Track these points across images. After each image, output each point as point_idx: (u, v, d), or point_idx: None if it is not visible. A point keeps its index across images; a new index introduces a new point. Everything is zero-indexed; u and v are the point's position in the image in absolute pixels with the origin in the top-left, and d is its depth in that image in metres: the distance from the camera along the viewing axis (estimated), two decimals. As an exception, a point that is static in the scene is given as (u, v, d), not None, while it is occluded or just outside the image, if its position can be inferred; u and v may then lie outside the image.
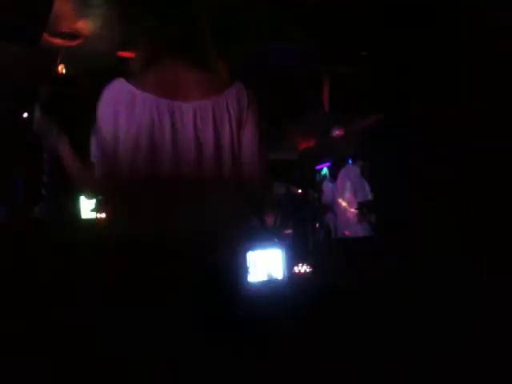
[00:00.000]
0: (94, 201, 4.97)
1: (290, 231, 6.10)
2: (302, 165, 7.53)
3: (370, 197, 6.22)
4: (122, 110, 1.69)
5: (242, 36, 5.30)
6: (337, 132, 7.70)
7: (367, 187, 6.35)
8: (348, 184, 6.34)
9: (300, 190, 6.84)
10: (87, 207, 4.93)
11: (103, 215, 4.91)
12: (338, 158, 7.49)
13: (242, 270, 1.98)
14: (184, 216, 1.70)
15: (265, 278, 4.16)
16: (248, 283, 4.09)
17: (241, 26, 5.13)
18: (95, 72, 5.11)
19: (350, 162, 6.64)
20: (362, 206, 5.90)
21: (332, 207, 6.82)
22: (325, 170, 8.12)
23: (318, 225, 6.46)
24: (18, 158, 5.24)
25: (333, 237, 6.49)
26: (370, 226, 5.94)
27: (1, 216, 4.67)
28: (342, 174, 6.61)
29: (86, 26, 4.93)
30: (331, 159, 7.88)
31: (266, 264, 4.17)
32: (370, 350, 3.63)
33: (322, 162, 8.17)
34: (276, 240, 4.58)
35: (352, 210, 6.14)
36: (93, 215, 4.87)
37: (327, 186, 7.19)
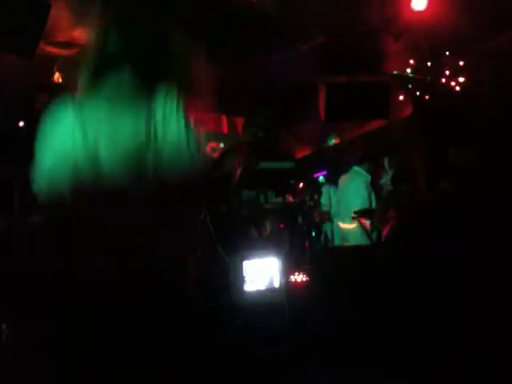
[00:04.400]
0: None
1: (286, 240, 6.09)
2: (298, 174, 7.52)
3: (367, 205, 6.16)
4: None
5: (239, 47, 5.32)
6: (332, 141, 7.71)
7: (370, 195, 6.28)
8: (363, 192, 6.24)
9: (296, 199, 6.83)
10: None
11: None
12: (334, 167, 7.48)
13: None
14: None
15: (261, 287, 4.14)
16: (244, 292, 4.08)
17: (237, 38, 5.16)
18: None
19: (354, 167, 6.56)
20: (358, 215, 5.87)
21: (329, 214, 6.78)
22: (321, 179, 8.11)
23: (314, 233, 6.43)
24: (17, 168, 5.22)
25: (330, 245, 6.46)
26: (367, 235, 5.91)
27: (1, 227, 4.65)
28: (348, 179, 6.54)
29: (81, 35, 4.94)
30: (327, 168, 7.88)
31: (262, 273, 4.16)
32: (368, 357, 3.62)
33: (318, 170, 8.17)
34: (272, 249, 4.57)
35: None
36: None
37: (325, 192, 7.14)
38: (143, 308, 1.63)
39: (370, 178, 6.27)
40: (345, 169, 6.73)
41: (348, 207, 6.05)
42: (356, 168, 6.45)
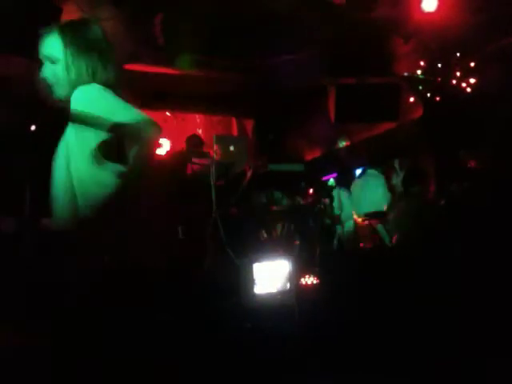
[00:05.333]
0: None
1: (296, 242, 6.07)
2: (308, 176, 7.51)
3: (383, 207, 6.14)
4: None
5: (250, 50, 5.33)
6: (343, 143, 7.70)
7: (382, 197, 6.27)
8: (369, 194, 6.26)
9: (306, 201, 6.81)
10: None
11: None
12: (344, 169, 7.47)
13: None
14: None
15: (271, 290, 4.13)
16: (254, 294, 4.07)
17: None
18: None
19: (369, 170, 6.56)
20: (370, 217, 5.86)
21: (340, 217, 6.79)
22: (331, 181, 8.10)
23: (324, 236, 6.42)
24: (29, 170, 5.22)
25: (341, 248, 6.46)
26: (378, 237, 5.90)
27: (9, 228, 4.65)
28: (364, 182, 6.55)
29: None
30: (337, 170, 7.87)
31: (272, 275, 4.15)
32: (380, 360, 3.61)
33: (328, 172, 8.16)
34: (282, 251, 4.56)
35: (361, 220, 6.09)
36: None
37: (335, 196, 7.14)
38: (151, 308, 1.63)
39: (384, 178, 6.29)
40: (355, 171, 6.73)
41: (366, 209, 6.05)
42: (371, 171, 6.47)
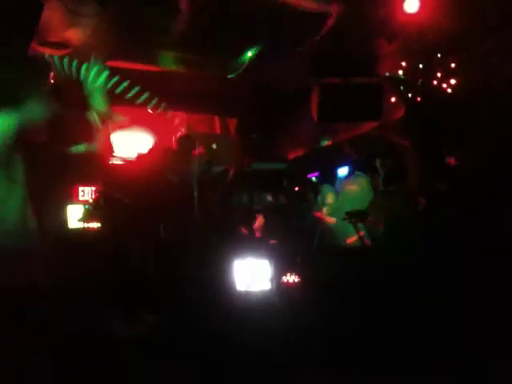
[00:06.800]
0: (81, 211, 4.95)
1: (278, 241, 6.08)
2: (291, 174, 7.53)
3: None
4: None
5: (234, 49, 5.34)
6: (325, 142, 7.72)
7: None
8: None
9: (288, 199, 6.83)
10: (74, 217, 4.91)
11: (91, 225, 4.89)
12: (326, 168, 7.50)
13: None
14: None
15: (253, 288, 4.14)
16: (236, 292, 4.08)
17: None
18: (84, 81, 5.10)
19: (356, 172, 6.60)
20: (351, 216, 5.88)
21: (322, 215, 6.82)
22: (313, 180, 8.12)
23: (305, 234, 6.44)
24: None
25: (322, 245, 6.47)
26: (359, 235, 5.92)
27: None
28: (351, 183, 6.58)
29: (75, 35, 4.93)
30: (319, 169, 7.90)
31: (253, 274, 4.16)
32: (359, 358, 3.64)
33: (310, 171, 8.18)
34: (264, 250, 4.57)
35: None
36: (80, 225, 4.86)
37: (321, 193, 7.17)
38: (134, 307, 1.64)
39: (370, 180, 6.33)
40: (337, 170, 6.76)
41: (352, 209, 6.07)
42: (358, 172, 6.51)
